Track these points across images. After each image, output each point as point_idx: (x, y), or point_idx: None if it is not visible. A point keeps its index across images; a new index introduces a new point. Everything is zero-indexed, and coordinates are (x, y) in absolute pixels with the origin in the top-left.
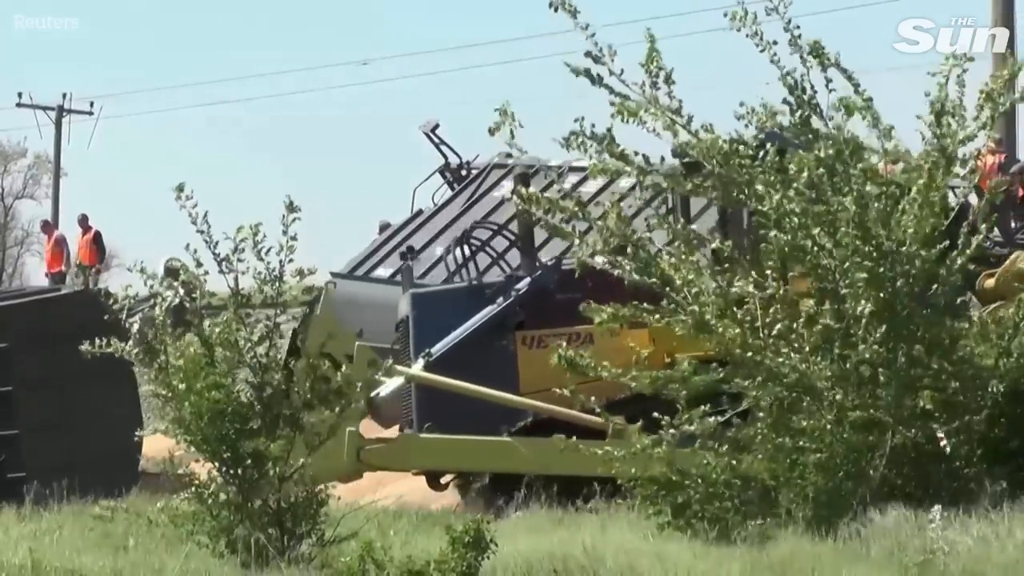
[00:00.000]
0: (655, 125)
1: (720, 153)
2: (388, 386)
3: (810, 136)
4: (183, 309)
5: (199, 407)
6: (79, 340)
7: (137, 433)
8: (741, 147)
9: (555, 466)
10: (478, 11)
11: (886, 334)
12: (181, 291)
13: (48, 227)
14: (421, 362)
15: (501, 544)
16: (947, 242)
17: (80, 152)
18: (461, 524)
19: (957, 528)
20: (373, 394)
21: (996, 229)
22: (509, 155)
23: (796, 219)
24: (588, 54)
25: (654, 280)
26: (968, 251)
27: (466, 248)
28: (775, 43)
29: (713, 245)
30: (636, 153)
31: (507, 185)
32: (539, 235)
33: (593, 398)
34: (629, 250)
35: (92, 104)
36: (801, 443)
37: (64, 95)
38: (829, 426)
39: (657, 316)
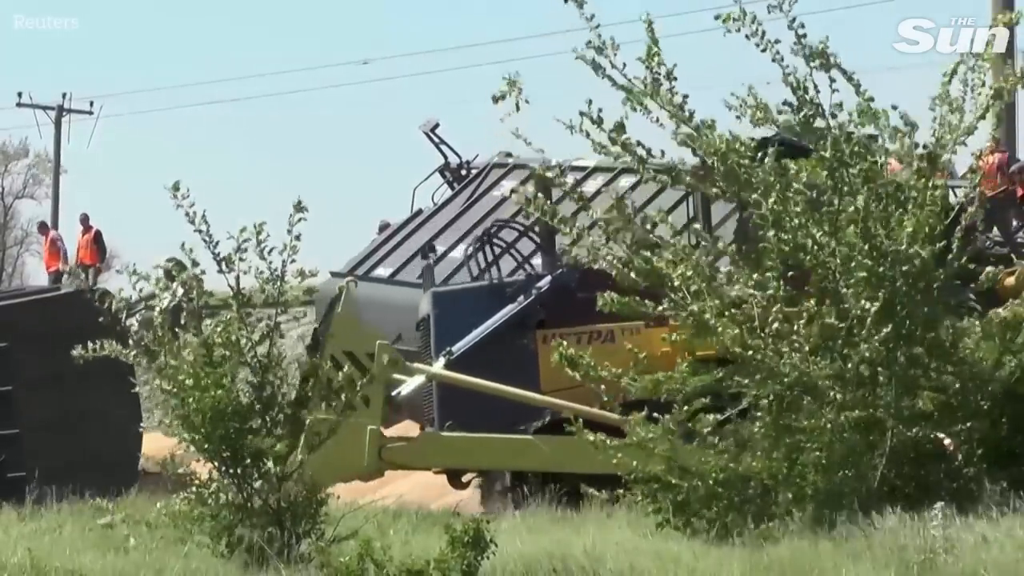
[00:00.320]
0: (660, 115)
1: (719, 153)
2: (409, 384)
3: (813, 136)
4: (180, 309)
5: (202, 406)
6: (79, 340)
7: (141, 425)
8: (739, 146)
9: (575, 464)
10: (478, 11)
11: (887, 334)
12: (179, 292)
13: (44, 228)
14: (442, 360)
15: (501, 544)
16: (945, 242)
17: (80, 151)
18: (460, 524)
19: (957, 527)
20: (394, 392)
21: (996, 229)
22: (509, 154)
23: (797, 219)
24: (590, 44)
25: (650, 281)
26: (966, 251)
27: (487, 248)
28: (778, 42)
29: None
30: (639, 144)
31: (507, 184)
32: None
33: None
34: (626, 251)
35: (92, 104)
36: (801, 442)
37: (64, 95)
38: (829, 425)
39: (663, 311)
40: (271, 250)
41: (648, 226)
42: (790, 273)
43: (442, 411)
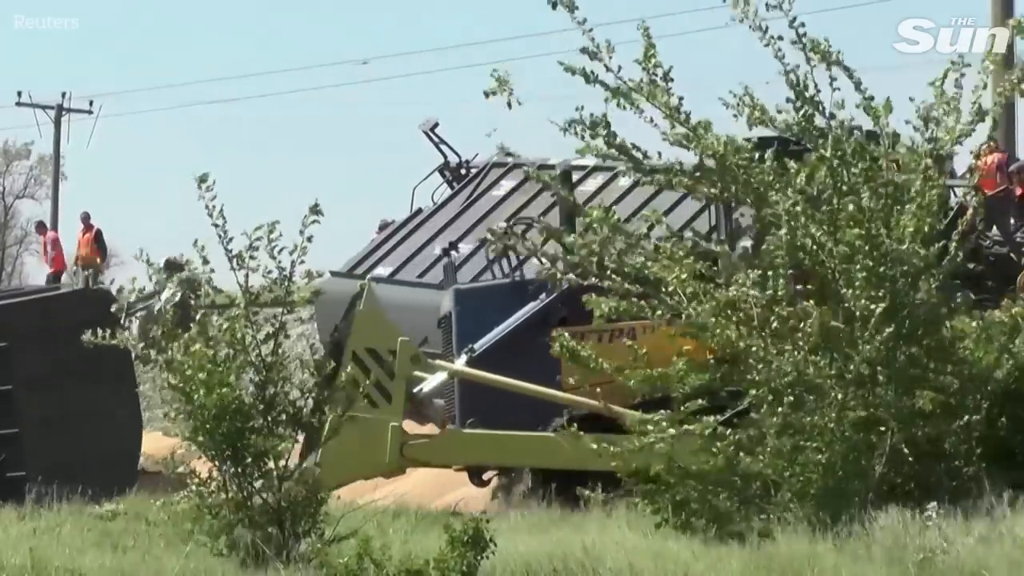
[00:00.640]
0: (651, 114)
1: (717, 154)
2: (430, 382)
3: (813, 134)
4: (188, 306)
5: (207, 403)
6: (79, 339)
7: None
8: (738, 147)
9: (598, 462)
10: (477, 11)
11: (888, 333)
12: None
13: (42, 228)
14: (464, 358)
15: (500, 543)
16: (944, 241)
17: (80, 151)
18: (460, 523)
19: (957, 527)
20: (416, 389)
21: (996, 228)
22: (508, 153)
23: (796, 219)
24: (584, 50)
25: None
26: (964, 250)
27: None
28: (780, 38)
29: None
30: (634, 146)
31: (506, 184)
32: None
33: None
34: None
35: (91, 103)
36: (801, 442)
37: (63, 94)
38: (831, 424)
39: (659, 314)
40: (281, 250)
41: (645, 228)
42: (790, 272)
43: (464, 408)
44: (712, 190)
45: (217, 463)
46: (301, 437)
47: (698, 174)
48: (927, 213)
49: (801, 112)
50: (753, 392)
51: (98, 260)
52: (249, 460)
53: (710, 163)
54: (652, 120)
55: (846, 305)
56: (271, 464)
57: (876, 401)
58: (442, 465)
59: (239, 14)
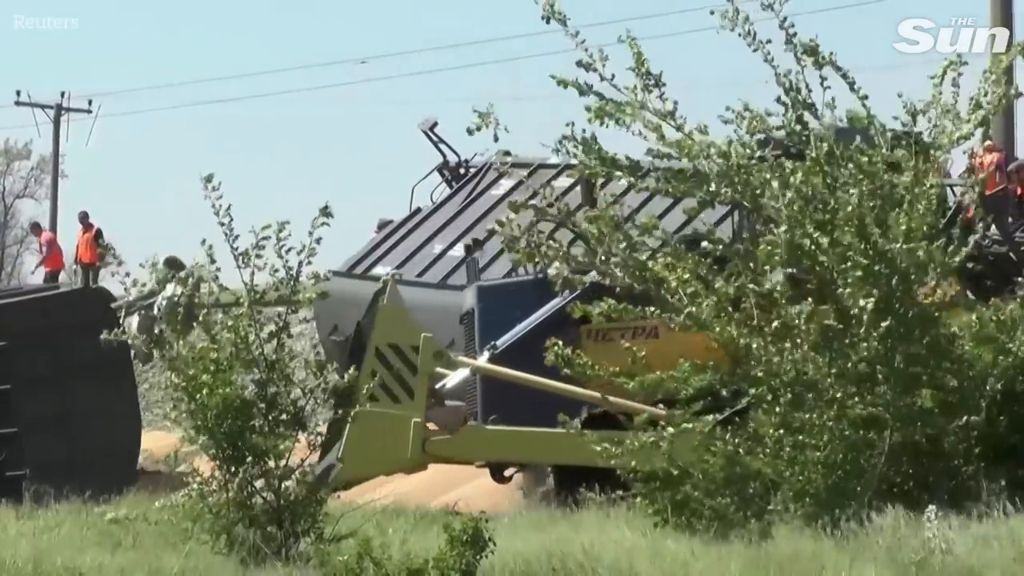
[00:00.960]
0: (637, 127)
1: (722, 153)
2: (453, 378)
3: (805, 136)
4: (192, 303)
5: (209, 401)
6: (78, 338)
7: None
8: (737, 148)
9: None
10: (477, 10)
11: (884, 332)
12: (178, 290)
13: (37, 229)
14: (486, 354)
15: (500, 542)
16: (943, 240)
17: (79, 150)
18: (459, 523)
19: (955, 526)
20: (438, 385)
21: (994, 227)
22: (508, 153)
23: (793, 218)
24: (579, 63)
25: (647, 284)
26: (964, 249)
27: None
28: (769, 42)
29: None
30: (627, 158)
31: (505, 184)
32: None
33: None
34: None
35: (91, 102)
36: (801, 440)
37: (63, 93)
38: (829, 423)
39: (657, 314)
40: (289, 250)
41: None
42: (789, 271)
43: (485, 405)
44: (706, 194)
45: (218, 462)
46: (302, 437)
47: (693, 179)
48: (924, 212)
49: (793, 113)
50: (753, 391)
51: (97, 262)
52: (250, 459)
53: (703, 167)
54: (641, 134)
55: (843, 304)
56: (272, 463)
57: (875, 400)
58: (464, 461)
59: (239, 14)
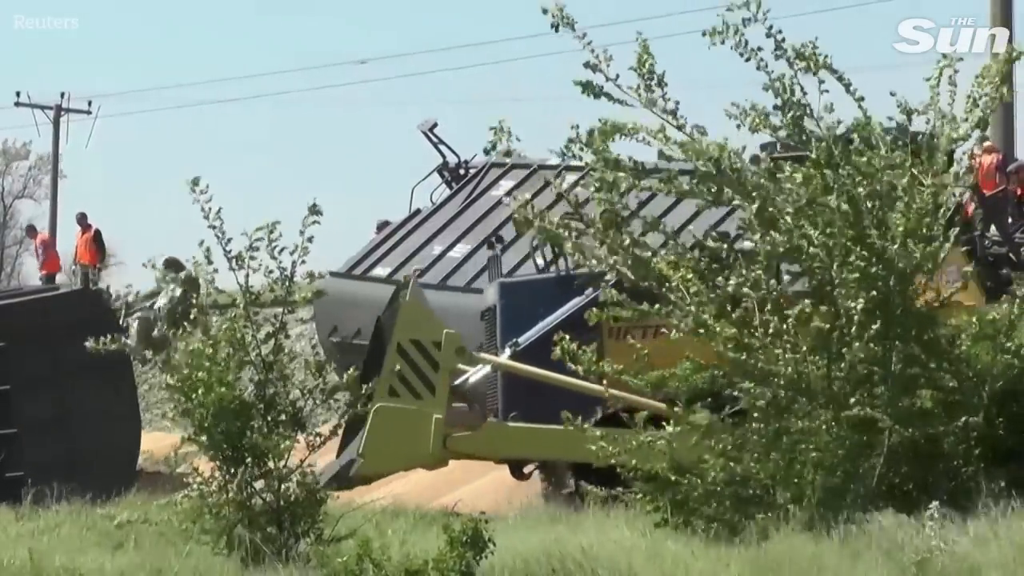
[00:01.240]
0: (643, 134)
1: (712, 159)
2: (475, 374)
3: (802, 138)
4: (187, 305)
5: (205, 402)
6: (77, 339)
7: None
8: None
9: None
10: (476, 11)
11: (879, 332)
12: (177, 291)
13: (32, 231)
14: (508, 351)
15: (499, 543)
16: (940, 240)
17: (78, 151)
18: (459, 523)
19: (955, 527)
20: (459, 381)
21: (994, 228)
22: (507, 154)
23: (789, 219)
24: (587, 65)
25: (650, 282)
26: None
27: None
28: (760, 49)
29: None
30: (629, 159)
31: (505, 184)
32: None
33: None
34: (621, 256)
35: (90, 103)
36: (799, 442)
37: (62, 94)
38: (826, 426)
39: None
40: (282, 250)
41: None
42: (786, 274)
43: (506, 402)
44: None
45: (218, 462)
46: (301, 438)
47: (695, 179)
48: (920, 213)
49: (789, 116)
50: (752, 392)
51: (96, 263)
52: (249, 460)
53: (706, 167)
54: (647, 141)
55: (839, 306)
56: (271, 464)
57: (874, 401)
58: (484, 458)
59: (238, 14)
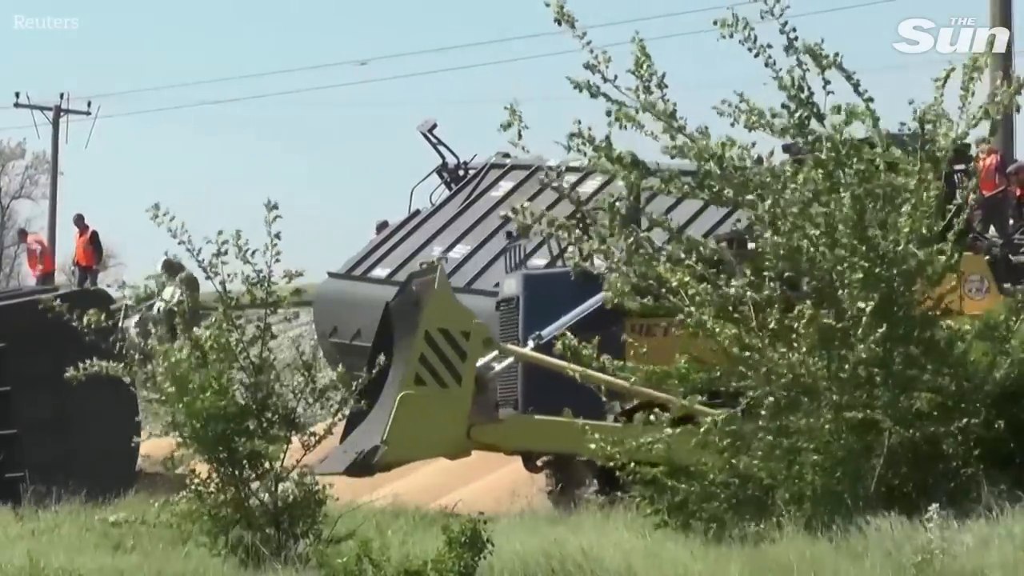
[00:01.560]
0: (652, 128)
1: (714, 156)
2: (500, 364)
3: (808, 138)
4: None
5: (194, 410)
6: (76, 340)
7: (135, 440)
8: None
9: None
10: (476, 11)
11: (883, 334)
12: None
13: (23, 235)
14: (531, 344)
15: (498, 544)
16: (943, 242)
17: (78, 152)
18: (458, 524)
19: (954, 528)
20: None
21: (993, 229)
22: (507, 155)
23: (791, 220)
24: (587, 65)
25: (650, 281)
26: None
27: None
28: (770, 46)
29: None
30: (632, 156)
31: (504, 185)
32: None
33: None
34: (623, 253)
35: (90, 104)
36: (799, 443)
37: (62, 95)
38: (828, 426)
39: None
40: (254, 252)
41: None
42: (787, 274)
43: (527, 395)
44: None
45: (214, 464)
46: (296, 438)
47: (696, 178)
48: (924, 215)
49: (796, 115)
50: (751, 393)
51: (94, 264)
52: (245, 462)
53: (708, 167)
54: (653, 134)
55: (843, 307)
56: (267, 465)
57: (873, 402)
58: (509, 450)
59: (238, 15)
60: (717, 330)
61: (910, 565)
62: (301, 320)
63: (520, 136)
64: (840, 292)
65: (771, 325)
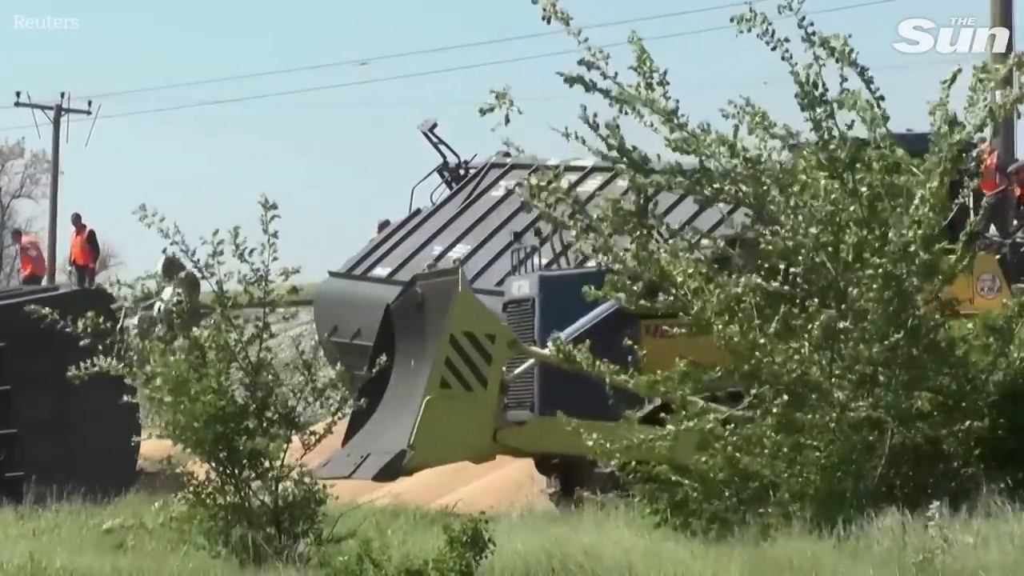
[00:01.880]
0: (652, 119)
1: (728, 144)
2: (520, 367)
3: (823, 135)
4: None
5: (193, 411)
6: (77, 339)
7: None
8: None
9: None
10: (476, 11)
11: (894, 334)
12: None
13: (17, 235)
14: (549, 346)
15: (499, 543)
16: (947, 241)
17: (78, 151)
18: (459, 523)
19: (956, 528)
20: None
21: (994, 228)
22: (507, 154)
23: (795, 216)
24: (582, 62)
25: (653, 278)
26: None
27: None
28: (787, 40)
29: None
30: (634, 148)
31: (505, 184)
32: None
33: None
34: (627, 251)
35: (90, 103)
36: (801, 441)
37: (62, 94)
38: (831, 424)
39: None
40: (251, 251)
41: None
42: (791, 272)
43: (543, 397)
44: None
45: (213, 465)
46: (296, 437)
47: (697, 175)
48: (939, 214)
49: (810, 113)
50: (754, 391)
51: (91, 264)
52: (245, 461)
53: (713, 162)
54: (653, 125)
55: (849, 305)
56: (267, 464)
57: (876, 402)
58: (533, 454)
59: (238, 15)
60: (720, 327)
61: (911, 564)
62: (301, 319)
63: (508, 120)
64: (850, 290)
65: (775, 323)
